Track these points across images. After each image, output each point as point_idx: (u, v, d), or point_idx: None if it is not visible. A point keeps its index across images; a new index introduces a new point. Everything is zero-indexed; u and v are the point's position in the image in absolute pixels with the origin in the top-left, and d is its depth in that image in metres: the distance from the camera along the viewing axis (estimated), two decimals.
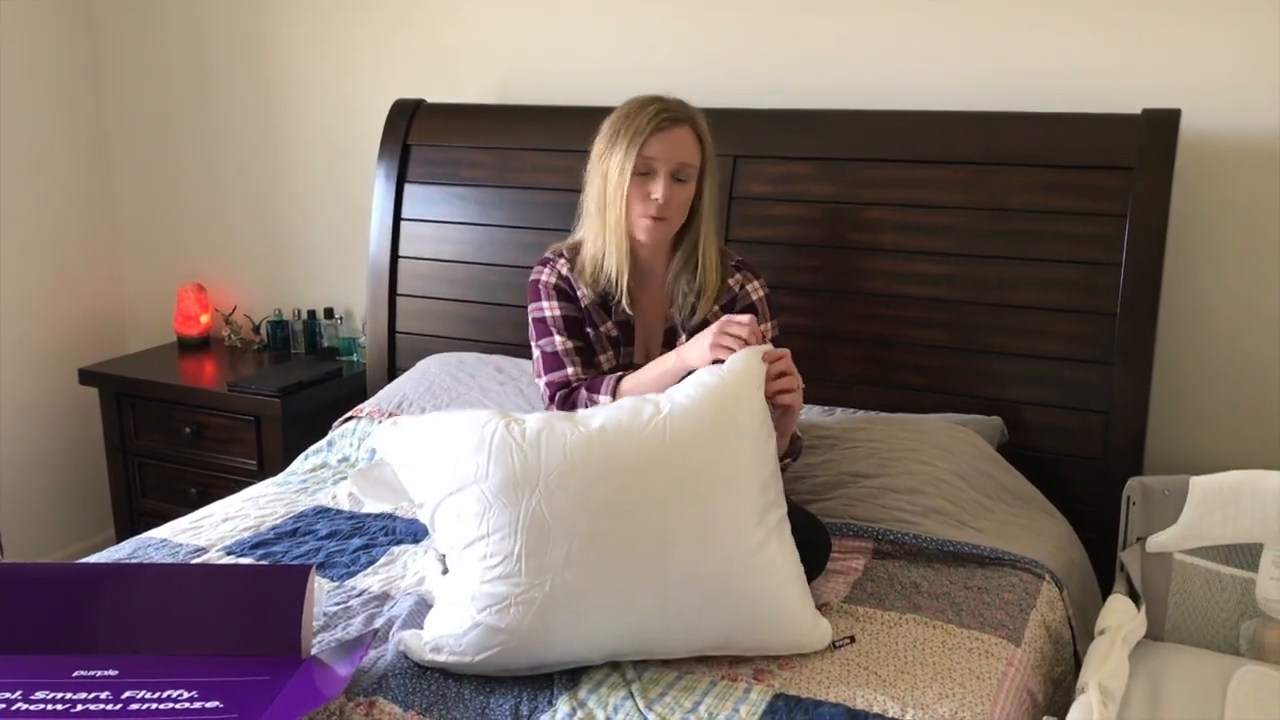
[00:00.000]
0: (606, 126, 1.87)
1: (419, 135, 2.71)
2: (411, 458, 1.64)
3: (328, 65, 2.98)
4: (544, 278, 1.95)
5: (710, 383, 1.61)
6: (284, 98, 3.06)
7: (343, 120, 2.99)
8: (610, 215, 1.84)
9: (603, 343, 1.93)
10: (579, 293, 1.93)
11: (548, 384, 1.92)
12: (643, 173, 1.82)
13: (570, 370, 1.90)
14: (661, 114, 1.81)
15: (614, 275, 1.88)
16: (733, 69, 2.52)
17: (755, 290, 1.94)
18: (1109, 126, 2.11)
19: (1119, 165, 2.08)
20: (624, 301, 1.89)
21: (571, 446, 1.53)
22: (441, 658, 1.52)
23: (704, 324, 1.90)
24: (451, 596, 1.56)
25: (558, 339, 1.92)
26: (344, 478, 2.30)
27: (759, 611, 1.54)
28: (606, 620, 1.51)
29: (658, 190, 1.80)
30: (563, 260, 1.95)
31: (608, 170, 1.84)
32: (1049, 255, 2.13)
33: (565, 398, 1.89)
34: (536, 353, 1.95)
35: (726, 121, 2.39)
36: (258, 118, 3.11)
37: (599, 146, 1.87)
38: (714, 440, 1.55)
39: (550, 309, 1.93)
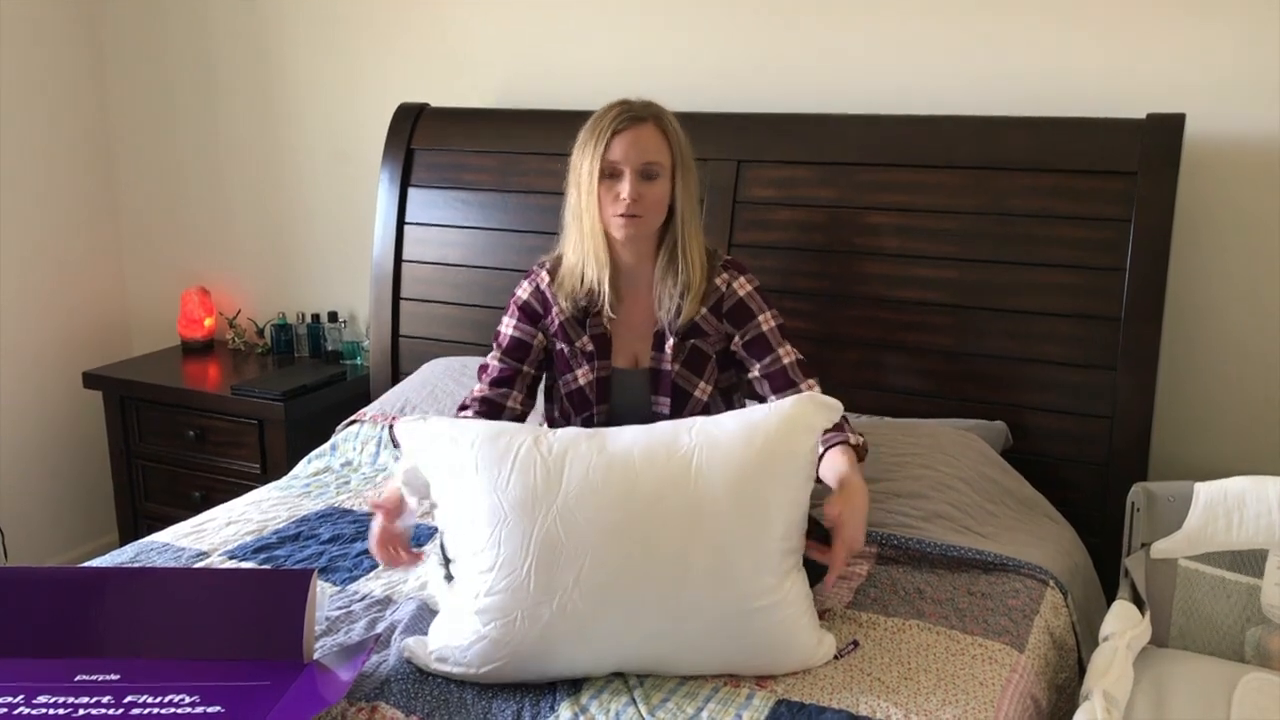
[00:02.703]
0: (579, 136, 1.86)
1: (423, 139, 2.72)
2: (435, 454, 1.63)
3: (332, 69, 2.98)
4: (519, 292, 1.97)
5: (756, 422, 1.58)
6: (288, 101, 3.07)
7: (346, 124, 3.00)
8: (586, 222, 1.84)
9: (578, 357, 1.92)
10: (554, 309, 1.93)
11: (465, 397, 1.97)
12: (610, 175, 1.82)
13: (477, 387, 1.95)
14: (622, 115, 1.81)
15: (594, 282, 1.87)
16: (736, 73, 2.52)
17: (742, 286, 1.92)
18: (1112, 131, 2.11)
19: (1123, 170, 2.07)
20: (605, 308, 1.89)
21: (594, 467, 1.52)
22: (447, 668, 1.52)
23: (691, 326, 1.90)
24: (456, 606, 1.56)
25: (491, 357, 1.96)
26: (346, 482, 2.30)
27: (767, 642, 1.53)
28: (612, 641, 1.51)
29: (625, 190, 1.80)
30: (545, 274, 1.95)
31: (579, 178, 1.84)
32: (1052, 260, 2.13)
33: (461, 409, 1.95)
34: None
35: (729, 126, 2.40)
36: (262, 121, 3.11)
37: (573, 156, 1.87)
38: (743, 481, 1.53)
39: (507, 326, 1.96)
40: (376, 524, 1.69)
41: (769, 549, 1.54)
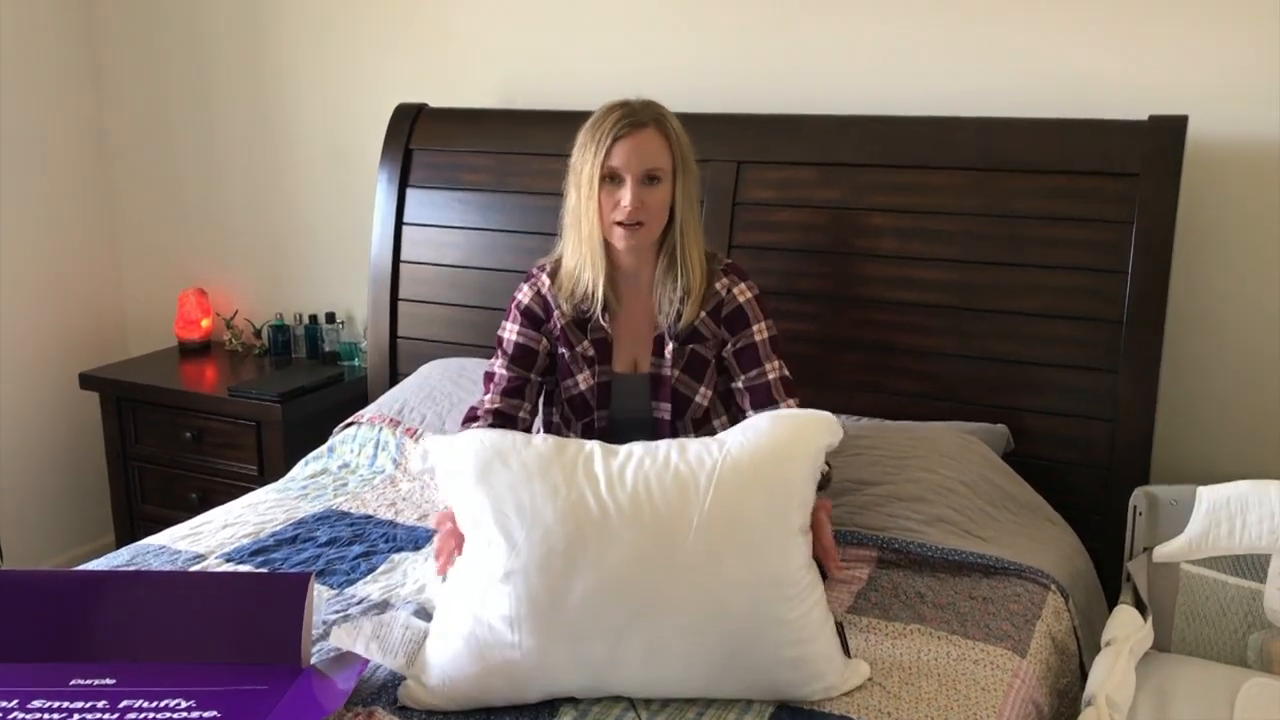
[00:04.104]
0: (578, 137, 1.85)
1: (421, 139, 2.71)
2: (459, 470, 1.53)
3: (329, 69, 2.97)
4: (520, 296, 1.95)
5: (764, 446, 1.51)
6: (286, 102, 3.06)
7: (344, 124, 2.99)
8: (585, 227, 1.83)
9: (578, 362, 1.91)
10: (555, 312, 1.91)
11: (474, 404, 1.94)
12: (610, 181, 1.80)
13: (488, 397, 1.91)
14: (623, 120, 1.78)
15: (590, 288, 1.86)
16: (736, 74, 2.51)
17: (743, 293, 1.91)
18: (1115, 132, 2.10)
19: (1125, 171, 2.07)
20: (599, 317, 1.88)
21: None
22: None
23: (690, 330, 1.89)
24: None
25: (498, 365, 1.93)
26: (344, 484, 2.29)
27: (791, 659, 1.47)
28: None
29: (626, 198, 1.78)
30: (545, 277, 1.93)
31: (579, 182, 1.83)
32: (1055, 262, 2.12)
33: (469, 419, 1.91)
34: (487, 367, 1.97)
35: (729, 126, 2.39)
36: (259, 121, 3.10)
37: (573, 158, 1.85)
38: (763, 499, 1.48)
39: (510, 332, 1.93)
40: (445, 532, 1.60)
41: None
